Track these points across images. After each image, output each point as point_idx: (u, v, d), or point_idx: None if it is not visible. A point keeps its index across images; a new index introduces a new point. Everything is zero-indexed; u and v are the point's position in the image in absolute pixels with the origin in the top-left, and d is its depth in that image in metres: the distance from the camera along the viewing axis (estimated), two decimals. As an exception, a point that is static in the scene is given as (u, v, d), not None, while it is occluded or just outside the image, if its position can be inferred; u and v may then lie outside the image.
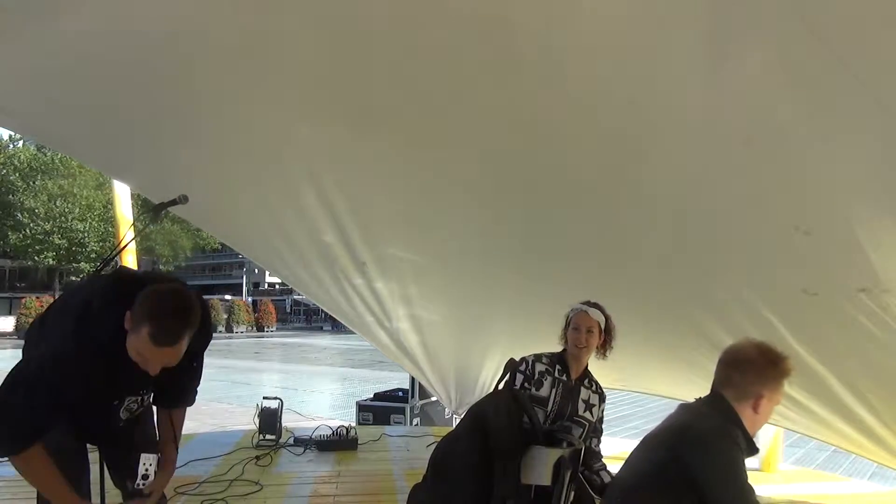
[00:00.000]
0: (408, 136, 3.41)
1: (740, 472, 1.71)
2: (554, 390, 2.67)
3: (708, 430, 1.78)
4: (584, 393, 2.74)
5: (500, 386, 2.62)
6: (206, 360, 2.30)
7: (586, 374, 2.80)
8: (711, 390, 1.89)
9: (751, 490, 1.71)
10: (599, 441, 2.83)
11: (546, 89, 2.82)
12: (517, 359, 2.73)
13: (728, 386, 1.84)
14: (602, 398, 2.82)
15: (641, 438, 1.98)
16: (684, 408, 1.92)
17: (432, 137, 3.36)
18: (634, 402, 10.24)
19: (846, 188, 2.70)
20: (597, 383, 2.83)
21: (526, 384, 2.69)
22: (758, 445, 1.88)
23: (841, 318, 3.07)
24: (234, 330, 34.64)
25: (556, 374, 2.70)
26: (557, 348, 2.82)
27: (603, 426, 2.83)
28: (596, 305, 2.77)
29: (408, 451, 4.97)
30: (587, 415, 2.73)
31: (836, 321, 3.15)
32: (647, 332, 4.04)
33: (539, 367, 2.70)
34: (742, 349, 1.88)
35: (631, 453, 1.97)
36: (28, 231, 32.54)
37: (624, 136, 2.93)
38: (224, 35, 2.88)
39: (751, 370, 1.82)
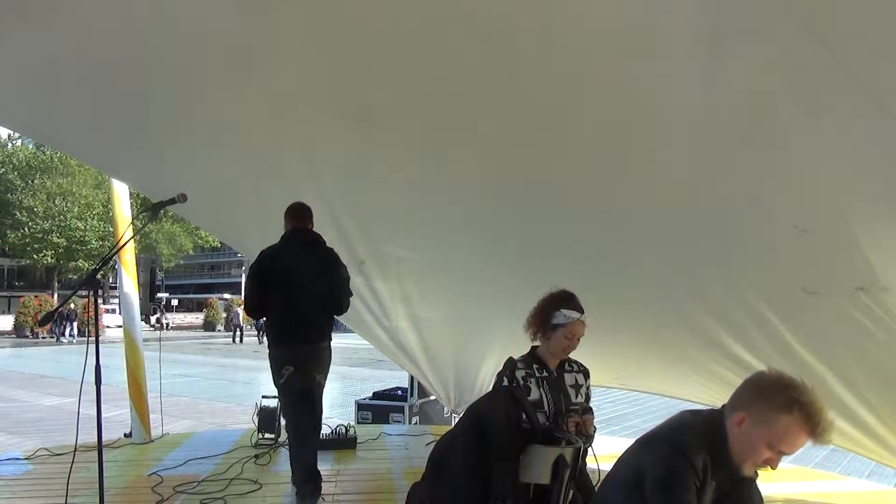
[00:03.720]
0: (407, 135, 3.41)
1: (674, 487, 1.64)
2: (542, 390, 2.61)
3: (666, 438, 1.74)
4: (568, 378, 2.69)
5: (499, 385, 2.61)
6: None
7: (562, 359, 2.74)
8: None
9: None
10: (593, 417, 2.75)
11: (546, 89, 2.82)
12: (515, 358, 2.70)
13: (730, 398, 1.80)
14: (586, 374, 2.75)
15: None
16: (681, 415, 1.87)
17: (432, 137, 3.36)
18: (633, 401, 10.24)
19: (845, 187, 2.71)
20: (576, 362, 2.77)
21: None
22: (739, 472, 1.74)
23: (839, 316, 3.08)
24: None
25: (537, 373, 2.64)
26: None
27: (591, 404, 2.73)
28: (582, 307, 2.67)
29: (406, 450, 4.97)
30: (579, 398, 2.69)
31: (834, 319, 3.15)
32: (647, 331, 4.05)
33: (520, 374, 2.63)
34: (763, 371, 1.82)
35: (627, 448, 1.95)
36: (27, 230, 32.49)
37: (624, 135, 2.93)
38: (224, 35, 2.88)
39: (751, 387, 1.76)
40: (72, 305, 26.66)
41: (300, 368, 3.61)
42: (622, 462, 1.89)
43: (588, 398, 2.75)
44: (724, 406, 1.80)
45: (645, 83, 2.65)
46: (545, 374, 2.66)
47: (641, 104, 2.74)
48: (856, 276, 2.91)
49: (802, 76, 2.36)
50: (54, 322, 26.23)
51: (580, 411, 2.66)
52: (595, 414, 2.77)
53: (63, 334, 25.98)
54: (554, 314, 2.64)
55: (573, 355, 2.75)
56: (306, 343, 3.66)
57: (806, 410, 1.63)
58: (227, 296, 41.89)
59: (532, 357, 2.70)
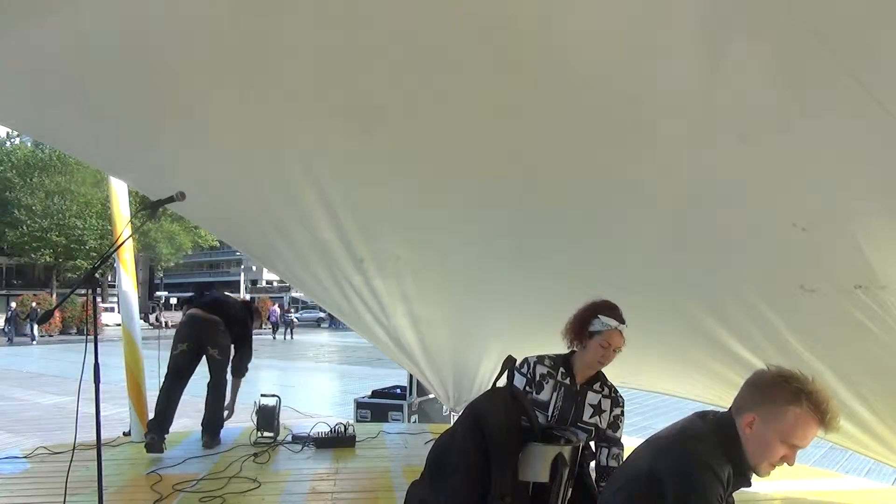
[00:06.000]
0: (407, 134, 3.41)
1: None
2: (555, 394, 2.59)
3: (688, 449, 1.69)
4: (591, 397, 2.63)
5: (498, 383, 2.61)
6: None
7: (598, 377, 2.67)
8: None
9: None
10: (617, 454, 2.64)
11: (546, 89, 2.82)
12: (515, 356, 2.69)
13: (734, 401, 1.77)
14: (616, 402, 2.66)
15: (647, 438, 1.89)
16: (692, 420, 1.81)
17: (432, 136, 3.36)
18: (632, 399, 10.22)
19: (844, 186, 2.71)
20: (612, 387, 2.69)
21: (527, 387, 2.62)
22: (751, 477, 1.72)
23: (838, 314, 3.08)
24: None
25: (559, 378, 2.61)
26: (562, 348, 2.70)
27: (620, 436, 2.64)
28: (624, 318, 2.61)
29: (405, 448, 4.97)
30: (595, 420, 2.62)
31: (833, 317, 3.15)
32: (646, 330, 4.03)
33: (540, 370, 2.62)
34: (762, 370, 1.78)
35: (634, 450, 1.88)
36: (25, 228, 32.45)
37: (623, 135, 2.93)
38: (224, 35, 2.88)
39: (754, 386, 1.73)
40: (34, 304, 26.36)
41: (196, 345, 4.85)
42: (630, 468, 1.82)
43: (614, 427, 2.65)
44: (730, 410, 1.77)
45: (645, 83, 2.65)
46: (567, 381, 2.62)
47: (641, 104, 2.74)
48: (854, 275, 2.91)
49: (802, 76, 2.36)
50: (8, 322, 25.82)
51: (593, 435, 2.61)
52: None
53: (23, 334, 25.19)
54: (592, 321, 2.59)
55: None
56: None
57: (813, 399, 1.63)
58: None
59: (563, 362, 2.66)
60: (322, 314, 38.65)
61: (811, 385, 1.66)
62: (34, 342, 24.28)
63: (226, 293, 5.61)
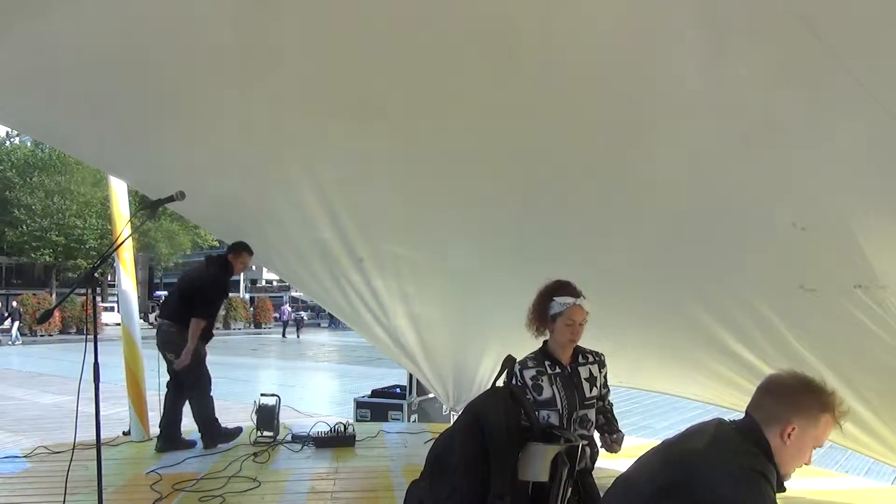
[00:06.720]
0: (407, 134, 3.41)
1: None
2: (554, 387, 2.60)
3: (730, 461, 1.63)
4: (583, 371, 2.67)
5: (498, 383, 2.61)
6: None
7: (577, 351, 2.71)
8: (745, 412, 1.77)
9: None
10: (608, 393, 2.78)
11: (546, 89, 2.82)
12: (515, 356, 2.69)
13: (758, 409, 1.72)
14: (602, 363, 2.73)
15: (661, 442, 1.82)
16: (719, 428, 1.74)
17: (432, 136, 3.36)
18: (632, 398, 10.25)
19: (844, 185, 2.71)
20: (591, 352, 2.74)
21: (526, 394, 2.61)
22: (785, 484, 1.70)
23: (838, 313, 3.08)
24: (232, 327, 34.41)
25: (549, 371, 2.63)
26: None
27: (608, 388, 2.75)
28: (580, 291, 2.65)
29: (405, 447, 4.98)
30: (595, 392, 2.67)
31: (833, 317, 3.15)
32: (645, 329, 4.06)
33: (529, 373, 2.62)
34: (780, 376, 1.77)
35: (646, 456, 1.80)
36: (25, 228, 32.42)
37: (623, 135, 2.93)
38: (224, 34, 2.88)
39: (783, 395, 1.71)
40: (14, 304, 26.14)
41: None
42: (656, 477, 1.71)
43: (607, 384, 2.74)
44: (751, 419, 1.73)
45: (645, 83, 2.65)
46: (557, 370, 2.64)
47: (641, 104, 2.74)
48: (854, 274, 2.91)
49: (802, 76, 2.36)
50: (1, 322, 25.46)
51: (598, 406, 2.66)
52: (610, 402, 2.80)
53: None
54: (550, 305, 2.64)
55: (586, 345, 2.74)
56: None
57: (837, 402, 1.68)
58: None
59: (543, 354, 2.68)
60: (304, 314, 38.69)
61: (827, 386, 1.70)
62: (15, 343, 23.74)
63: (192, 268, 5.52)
